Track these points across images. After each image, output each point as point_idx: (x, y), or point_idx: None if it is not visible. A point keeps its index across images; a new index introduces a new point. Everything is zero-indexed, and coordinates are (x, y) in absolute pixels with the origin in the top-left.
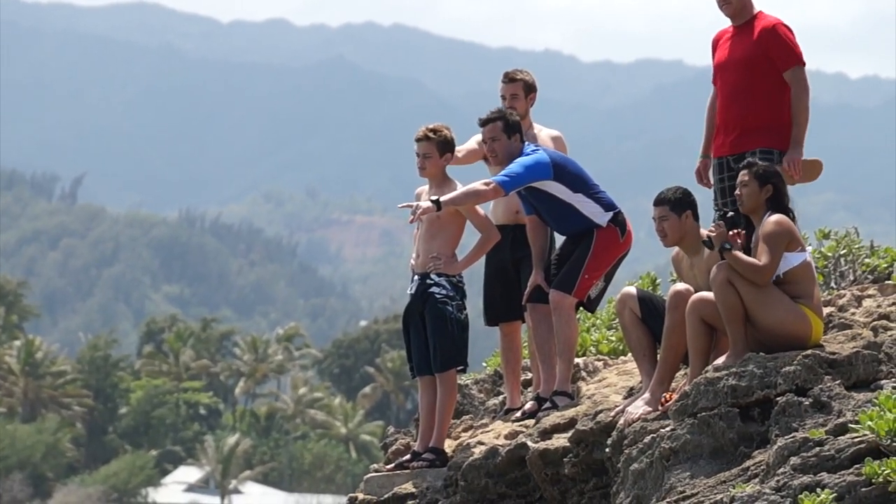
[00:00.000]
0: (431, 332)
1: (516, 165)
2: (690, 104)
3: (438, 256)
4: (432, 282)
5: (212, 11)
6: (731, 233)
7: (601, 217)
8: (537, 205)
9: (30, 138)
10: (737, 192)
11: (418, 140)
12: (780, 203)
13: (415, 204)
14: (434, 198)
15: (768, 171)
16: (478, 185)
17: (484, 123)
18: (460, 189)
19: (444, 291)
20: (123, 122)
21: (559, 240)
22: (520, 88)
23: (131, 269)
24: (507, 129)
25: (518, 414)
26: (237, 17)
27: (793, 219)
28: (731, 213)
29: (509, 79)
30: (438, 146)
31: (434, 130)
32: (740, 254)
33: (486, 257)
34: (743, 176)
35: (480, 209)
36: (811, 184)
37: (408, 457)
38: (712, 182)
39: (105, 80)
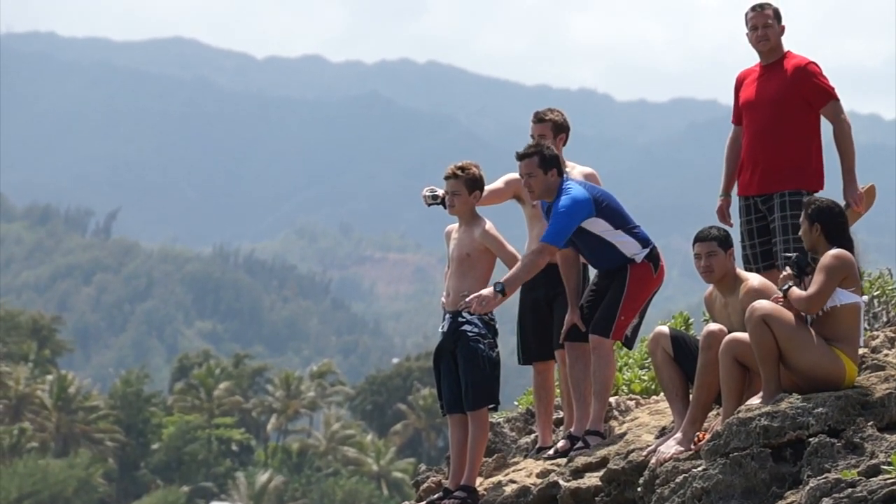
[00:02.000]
0: (463, 370)
1: (558, 217)
2: (724, 142)
3: (468, 298)
4: (464, 320)
5: (247, 47)
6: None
7: (638, 254)
8: (576, 240)
9: (64, 172)
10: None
11: (447, 178)
12: (837, 238)
13: (475, 296)
14: (498, 285)
15: (816, 210)
16: (529, 254)
17: (521, 158)
18: (517, 266)
19: (475, 329)
20: (158, 156)
21: (591, 271)
22: (548, 129)
23: (164, 304)
24: (543, 164)
25: (550, 452)
26: (272, 53)
27: (851, 249)
28: (797, 255)
29: (538, 119)
30: (467, 184)
31: (462, 168)
32: (794, 290)
33: (520, 296)
34: (802, 216)
35: (509, 245)
36: None
37: (439, 495)
38: (737, 222)
39: (140, 114)
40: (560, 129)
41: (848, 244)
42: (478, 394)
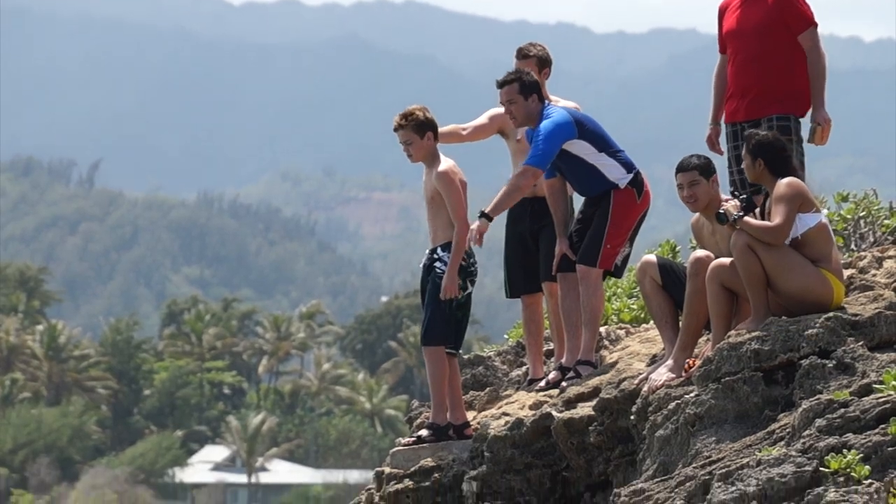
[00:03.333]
0: (426, 304)
1: (539, 140)
2: (705, 72)
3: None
4: (437, 257)
5: None
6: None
7: (621, 178)
8: (561, 164)
9: (46, 124)
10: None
11: (395, 130)
12: (781, 171)
13: (471, 230)
14: (483, 210)
15: (758, 144)
16: (513, 178)
17: (501, 85)
18: (500, 191)
19: (445, 267)
20: (139, 105)
21: (577, 201)
22: (532, 64)
23: (151, 251)
24: (524, 89)
25: (542, 384)
26: None
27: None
28: (744, 196)
29: (522, 55)
30: (416, 129)
31: (406, 115)
32: (750, 219)
33: (505, 230)
34: (743, 149)
35: (459, 192)
36: (828, 148)
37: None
38: (725, 149)
39: (119, 64)
40: (544, 64)
41: (792, 175)
42: (431, 330)
